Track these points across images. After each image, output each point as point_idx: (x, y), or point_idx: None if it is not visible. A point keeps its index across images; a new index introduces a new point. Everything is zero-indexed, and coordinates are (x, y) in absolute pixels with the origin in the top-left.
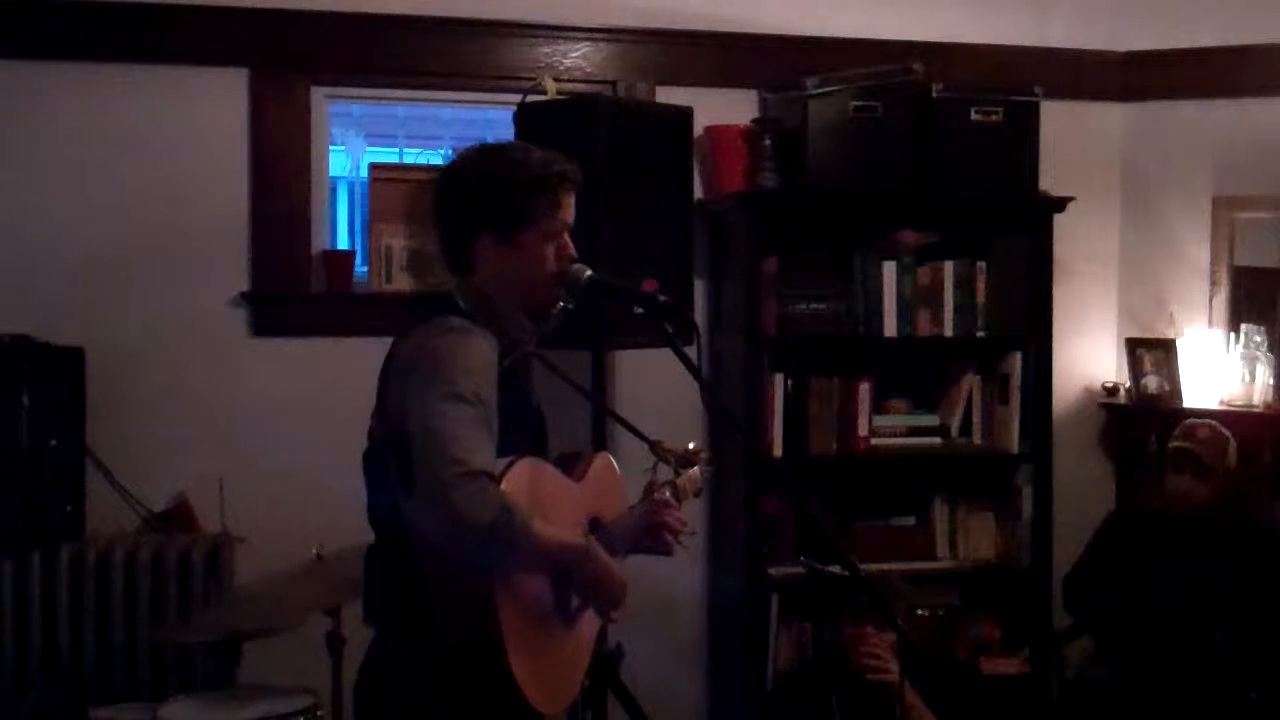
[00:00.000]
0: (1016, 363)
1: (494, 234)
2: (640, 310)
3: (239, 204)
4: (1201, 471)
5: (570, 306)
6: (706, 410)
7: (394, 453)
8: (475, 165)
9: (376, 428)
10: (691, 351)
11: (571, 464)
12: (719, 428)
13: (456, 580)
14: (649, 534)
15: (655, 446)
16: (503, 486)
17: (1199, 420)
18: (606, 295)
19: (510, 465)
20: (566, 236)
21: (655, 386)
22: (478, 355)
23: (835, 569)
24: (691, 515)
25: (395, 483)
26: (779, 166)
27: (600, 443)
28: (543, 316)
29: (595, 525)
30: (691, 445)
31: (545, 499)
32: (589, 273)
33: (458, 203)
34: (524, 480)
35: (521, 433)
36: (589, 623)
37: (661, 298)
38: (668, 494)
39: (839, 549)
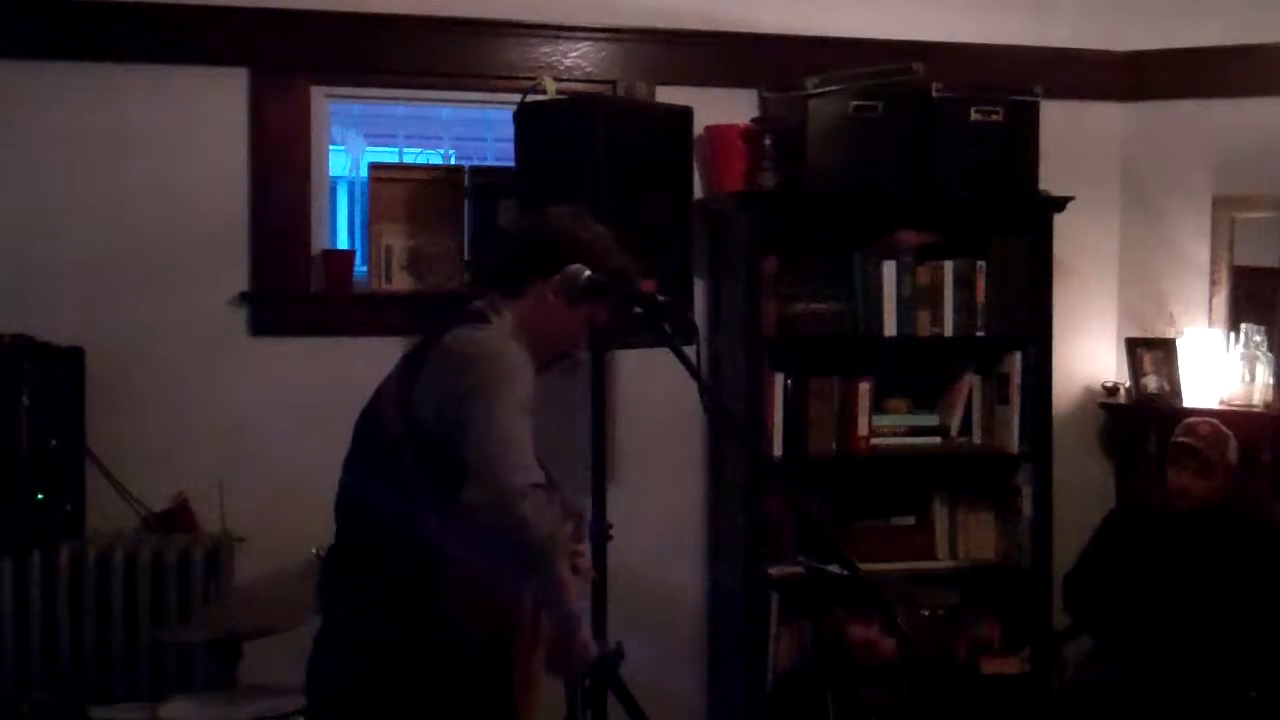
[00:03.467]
0: (1016, 362)
1: (557, 288)
2: (639, 310)
3: (239, 204)
4: (1203, 468)
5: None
6: (705, 411)
7: (415, 451)
8: (588, 231)
9: (394, 424)
10: (691, 351)
11: None
12: (719, 428)
13: (481, 581)
14: None
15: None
16: None
17: (1200, 418)
18: (604, 295)
19: None
20: (588, 332)
21: (655, 386)
22: (530, 372)
23: (835, 569)
24: (692, 514)
25: (413, 480)
26: (779, 166)
27: (599, 444)
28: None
29: None
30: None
31: None
32: (587, 273)
33: (549, 245)
34: None
35: None
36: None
37: (660, 298)
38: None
39: (838, 549)
